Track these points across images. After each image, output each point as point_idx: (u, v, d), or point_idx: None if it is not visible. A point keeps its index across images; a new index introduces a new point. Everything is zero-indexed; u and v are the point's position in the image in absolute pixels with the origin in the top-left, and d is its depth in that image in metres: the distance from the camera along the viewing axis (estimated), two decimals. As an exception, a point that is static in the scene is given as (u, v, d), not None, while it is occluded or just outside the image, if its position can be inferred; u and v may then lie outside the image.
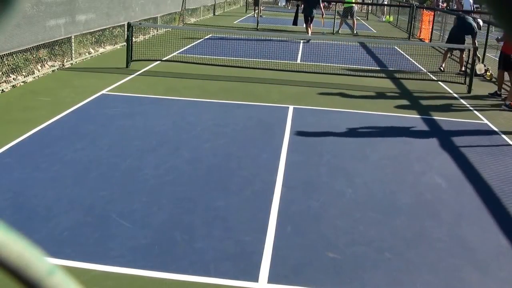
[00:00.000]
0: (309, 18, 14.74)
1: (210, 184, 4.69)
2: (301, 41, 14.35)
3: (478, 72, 10.17)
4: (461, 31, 10.60)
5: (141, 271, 3.33)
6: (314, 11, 14.92)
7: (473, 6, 16.10)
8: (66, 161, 5.02)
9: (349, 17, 17.62)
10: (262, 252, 3.62)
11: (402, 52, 13.46)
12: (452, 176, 5.25)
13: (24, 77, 8.11)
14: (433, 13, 15.94)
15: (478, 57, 10.33)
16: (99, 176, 4.71)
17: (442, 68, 11.06)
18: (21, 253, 0.36)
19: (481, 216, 4.43)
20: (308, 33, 14.68)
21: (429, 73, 10.74)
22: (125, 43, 10.38)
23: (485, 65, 10.57)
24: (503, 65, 8.83)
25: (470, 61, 9.35)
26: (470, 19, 10.76)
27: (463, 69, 10.70)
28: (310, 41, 14.42)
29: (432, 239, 3.96)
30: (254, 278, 3.33)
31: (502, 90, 9.07)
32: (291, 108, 7.36)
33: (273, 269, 3.43)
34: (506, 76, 9.01)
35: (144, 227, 3.87)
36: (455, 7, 16.99)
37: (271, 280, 3.32)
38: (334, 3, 19.11)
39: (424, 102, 8.31)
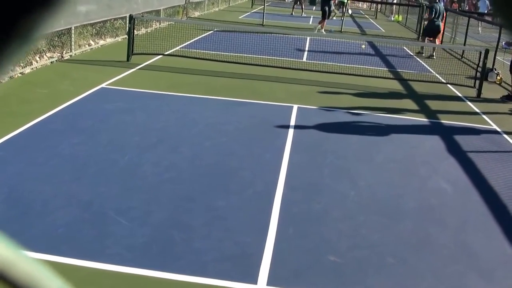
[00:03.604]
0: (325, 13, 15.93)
1: (211, 183, 4.60)
2: (308, 37, 14.28)
3: (489, 79, 10.09)
4: (437, 19, 12.42)
5: (138, 270, 3.28)
6: (326, 7, 15.90)
7: (489, 7, 16.06)
8: (63, 155, 4.92)
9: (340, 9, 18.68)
10: (262, 254, 3.56)
11: (411, 53, 13.36)
12: (458, 181, 5.17)
13: (22, 68, 8.00)
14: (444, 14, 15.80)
15: (499, 75, 10.35)
16: (97, 172, 4.62)
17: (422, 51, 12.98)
18: (30, 272, 0.36)
19: (487, 222, 4.36)
20: (321, 26, 15.91)
21: (437, 75, 10.62)
22: (126, 36, 10.26)
23: (498, 73, 10.45)
24: None
25: (480, 64, 9.19)
26: (439, 4, 12.58)
27: (433, 53, 12.66)
28: (316, 31, 15.61)
29: (437, 245, 3.89)
30: (253, 280, 3.28)
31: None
32: (295, 107, 7.26)
33: (273, 271, 3.38)
34: None
35: (142, 225, 3.80)
36: (467, 8, 16.91)
37: (270, 282, 3.27)
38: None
39: (432, 105, 8.19)
